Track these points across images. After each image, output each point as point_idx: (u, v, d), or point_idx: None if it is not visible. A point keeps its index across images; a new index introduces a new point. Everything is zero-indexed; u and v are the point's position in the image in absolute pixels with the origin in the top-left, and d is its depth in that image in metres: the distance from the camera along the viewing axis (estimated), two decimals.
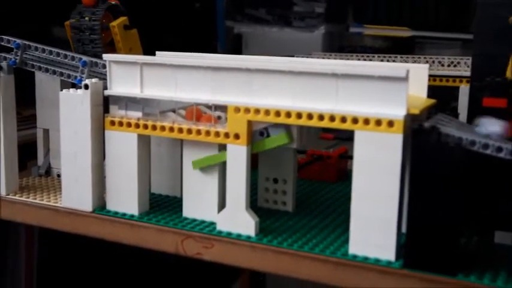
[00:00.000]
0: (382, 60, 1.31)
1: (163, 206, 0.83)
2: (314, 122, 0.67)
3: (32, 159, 0.99)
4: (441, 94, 1.28)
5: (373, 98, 0.65)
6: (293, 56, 1.36)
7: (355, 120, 0.65)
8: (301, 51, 1.43)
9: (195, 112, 0.74)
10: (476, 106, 0.71)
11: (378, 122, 0.64)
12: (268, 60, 0.82)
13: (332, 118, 0.66)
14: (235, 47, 1.71)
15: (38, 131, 0.96)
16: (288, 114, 0.68)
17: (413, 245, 0.63)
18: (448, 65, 1.26)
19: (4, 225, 0.88)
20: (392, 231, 0.65)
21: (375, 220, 0.65)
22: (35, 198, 0.85)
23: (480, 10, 0.78)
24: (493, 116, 0.70)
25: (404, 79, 0.63)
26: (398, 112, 0.63)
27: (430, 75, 1.20)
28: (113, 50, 0.95)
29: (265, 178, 0.83)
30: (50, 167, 0.96)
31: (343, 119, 0.66)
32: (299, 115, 0.68)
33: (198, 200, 0.77)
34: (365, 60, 1.33)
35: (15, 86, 0.87)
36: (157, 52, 0.87)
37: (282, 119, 0.69)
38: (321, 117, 0.67)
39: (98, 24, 0.91)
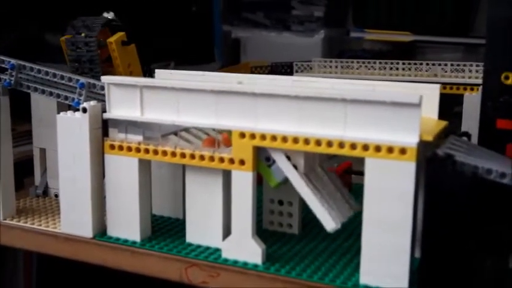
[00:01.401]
0: (384, 67, 1.29)
1: (165, 230, 0.81)
2: (322, 149, 0.65)
3: (28, 176, 0.97)
4: (444, 102, 1.26)
5: (384, 124, 0.62)
6: (292, 63, 1.34)
7: (365, 147, 0.63)
8: (300, 57, 1.40)
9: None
10: (488, 127, 0.69)
11: (390, 150, 0.62)
12: (272, 79, 0.79)
13: (341, 145, 0.64)
14: (233, 52, 1.68)
15: (34, 150, 0.94)
16: (295, 140, 0.66)
17: (427, 279, 0.61)
18: (452, 71, 1.24)
19: (1, 247, 0.85)
20: (405, 261, 0.63)
21: (386, 250, 0.63)
22: (33, 223, 0.83)
23: (490, 24, 0.75)
24: (507, 138, 0.68)
25: (418, 105, 0.60)
26: (410, 139, 0.61)
27: (432, 83, 1.18)
28: (110, 66, 0.92)
29: (270, 200, 0.81)
30: (47, 187, 0.94)
31: (353, 146, 0.63)
32: (307, 141, 0.65)
33: (202, 226, 0.75)
34: (366, 66, 1.31)
35: (10, 100, 0.84)
36: (156, 70, 0.85)
37: (288, 145, 0.66)
38: (329, 144, 0.65)
39: (95, 41, 0.88)
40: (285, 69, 1.35)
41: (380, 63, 1.30)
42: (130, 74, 0.93)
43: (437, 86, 0.69)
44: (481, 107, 0.71)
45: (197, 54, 1.67)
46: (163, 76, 0.84)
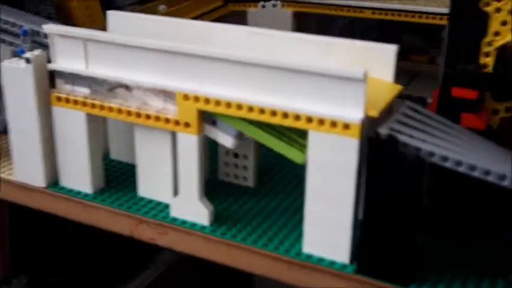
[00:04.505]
0: None
1: (120, 179, 0.80)
2: (266, 118, 0.62)
3: None
4: (428, 33, 1.20)
5: (329, 97, 0.59)
6: None
7: (309, 120, 0.60)
8: None
9: None
10: (446, 94, 0.65)
11: (333, 124, 0.59)
12: (227, 30, 0.74)
13: (285, 115, 0.61)
14: None
15: None
16: (239, 107, 0.63)
17: (366, 251, 0.60)
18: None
19: None
20: (347, 234, 0.62)
21: (329, 222, 0.62)
22: None
23: None
24: (462, 107, 0.64)
25: (362, 80, 0.57)
26: (354, 115, 0.58)
27: (415, 12, 1.11)
28: (67, 8, 0.88)
29: (225, 152, 0.79)
30: (7, 125, 0.92)
31: (297, 117, 0.61)
32: (250, 109, 0.63)
33: (153, 181, 0.73)
34: None
35: None
36: (108, 12, 0.80)
37: (232, 111, 0.64)
38: (273, 113, 0.62)
39: None
40: None
41: None
42: (87, 8, 0.88)
43: (394, 47, 0.65)
44: (443, 74, 0.66)
45: None
46: (116, 20, 0.79)
